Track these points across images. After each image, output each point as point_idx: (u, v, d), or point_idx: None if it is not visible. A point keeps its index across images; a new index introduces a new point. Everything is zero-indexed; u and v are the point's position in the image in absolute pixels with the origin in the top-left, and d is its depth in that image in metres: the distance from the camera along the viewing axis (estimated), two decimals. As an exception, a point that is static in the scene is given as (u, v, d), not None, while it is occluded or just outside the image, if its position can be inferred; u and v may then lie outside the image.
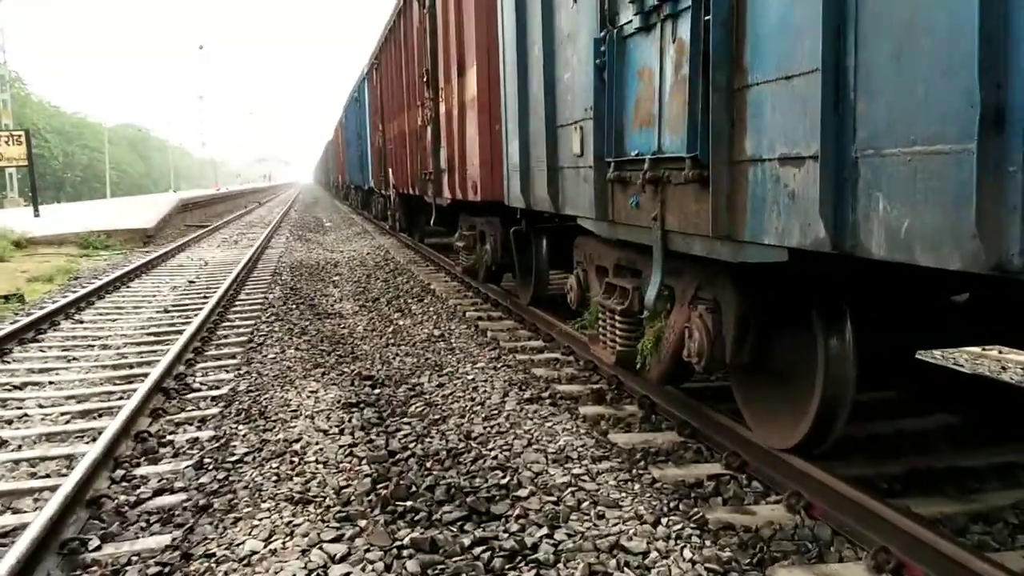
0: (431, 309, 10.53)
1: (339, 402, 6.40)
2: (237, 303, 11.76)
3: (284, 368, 7.61)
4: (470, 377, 6.84)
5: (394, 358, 7.98)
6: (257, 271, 15.59)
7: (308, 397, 6.57)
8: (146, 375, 7.33)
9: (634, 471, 4.50)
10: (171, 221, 29.11)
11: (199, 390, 7.06)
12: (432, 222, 12.20)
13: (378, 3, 18.31)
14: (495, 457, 4.84)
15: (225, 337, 9.35)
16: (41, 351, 8.95)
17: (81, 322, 10.68)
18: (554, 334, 7.23)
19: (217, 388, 7.08)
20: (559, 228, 7.51)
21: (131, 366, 8.18)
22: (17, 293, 13.55)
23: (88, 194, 68.96)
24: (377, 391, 6.70)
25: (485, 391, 6.37)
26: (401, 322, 9.90)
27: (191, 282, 14.46)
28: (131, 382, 7.49)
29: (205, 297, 12.34)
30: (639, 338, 4.89)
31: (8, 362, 8.36)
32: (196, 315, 10.34)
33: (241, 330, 9.67)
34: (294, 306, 11.38)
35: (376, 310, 10.94)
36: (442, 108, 9.92)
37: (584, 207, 4.95)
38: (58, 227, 23.98)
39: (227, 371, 7.69)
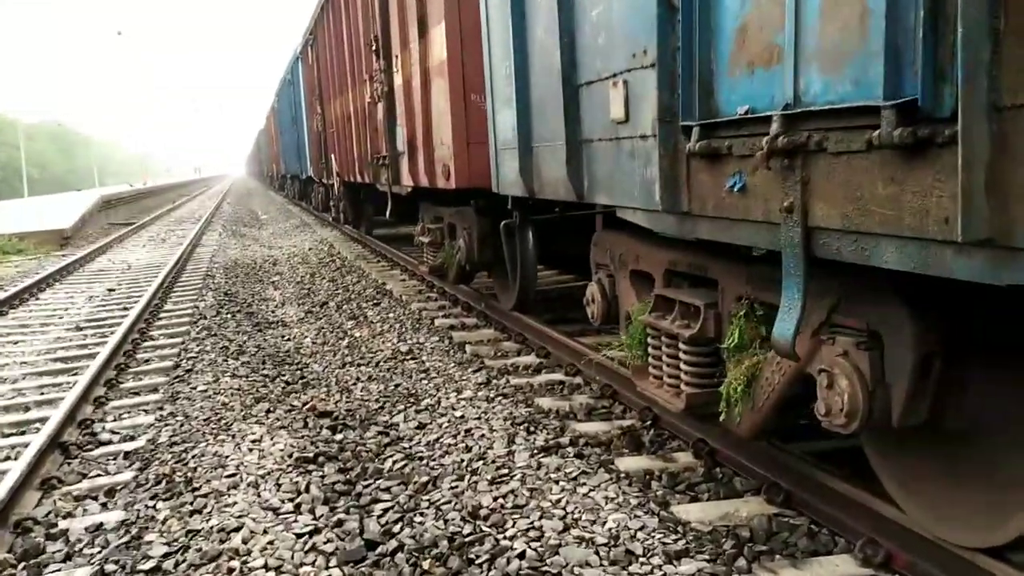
0: (391, 315, 9.04)
1: (290, 456, 4.90)
2: (162, 315, 10.11)
3: (218, 405, 6.06)
4: (458, 414, 5.39)
5: (354, 384, 6.49)
6: (187, 274, 13.88)
7: (250, 450, 5.05)
8: (45, 419, 5.75)
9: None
10: (92, 220, 26.93)
11: (108, 443, 5.49)
12: (388, 214, 10.67)
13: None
14: (522, 554, 3.40)
15: (146, 362, 7.75)
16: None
17: (-28, 346, 8.93)
18: (581, 365, 5.78)
19: (132, 439, 5.52)
20: (551, 219, 6.07)
21: (26, 407, 6.55)
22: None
23: (8, 193, 65.30)
24: (339, 436, 5.22)
25: (482, 434, 4.93)
26: (357, 333, 8.40)
27: (111, 290, 12.71)
28: (23, 432, 5.88)
29: (125, 309, 10.66)
30: (717, 375, 3.51)
31: None
32: (113, 333, 8.69)
33: (166, 352, 8.07)
34: (229, 315, 9.78)
35: (325, 317, 9.42)
36: (397, 79, 8.41)
37: (631, 194, 3.53)
38: (-37, 230, 21.74)
39: (146, 412, 6.13)
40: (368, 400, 6.01)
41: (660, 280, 3.96)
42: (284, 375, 6.93)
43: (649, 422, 4.78)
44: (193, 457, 4.98)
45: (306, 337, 8.50)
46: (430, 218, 8.86)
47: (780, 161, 2.46)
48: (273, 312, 10.05)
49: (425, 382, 6.32)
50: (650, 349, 3.95)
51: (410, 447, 4.90)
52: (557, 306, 8.77)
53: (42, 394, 6.90)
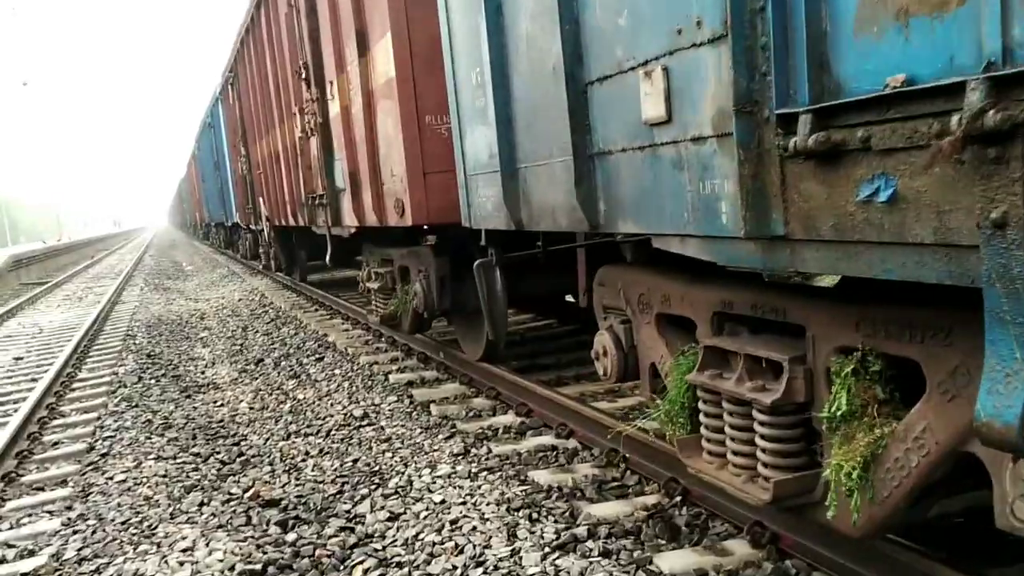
0: (338, 372, 8.01)
1: (232, 570, 3.86)
2: (76, 385, 8.89)
3: (140, 500, 4.97)
4: (436, 497, 4.41)
5: (304, 460, 5.47)
6: (105, 335, 12.58)
7: (180, 565, 3.99)
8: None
9: None
10: (1, 281, 25.13)
11: (3, 561, 4.36)
12: (328, 259, 9.65)
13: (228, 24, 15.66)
14: None
15: (55, 446, 6.58)
16: None
17: None
18: (606, 440, 4.53)
19: (31, 554, 4.40)
20: (523, 255, 5.17)
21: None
22: None
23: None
24: (292, 535, 4.20)
25: (473, 526, 3.96)
26: (300, 394, 7.36)
27: (17, 359, 11.36)
28: None
29: (33, 380, 9.39)
30: (812, 455, 2.64)
31: None
32: (16, 411, 7.48)
33: (79, 431, 6.90)
34: (153, 380, 8.63)
35: (261, 376, 8.35)
36: (333, 108, 7.47)
37: (677, 217, 2.66)
38: None
39: (51, 514, 5.00)
40: (323, 481, 5.00)
41: (706, 326, 3.08)
42: (219, 452, 5.87)
43: (679, 497, 3.89)
44: (106, 581, 3.90)
45: (241, 401, 7.43)
46: (377, 261, 7.89)
47: (981, 151, 1.61)
48: (203, 373, 8.93)
49: (389, 455, 5.33)
50: (704, 418, 3.05)
51: (383, 548, 3.90)
52: (524, 351, 7.88)
53: (-77, 495, 5.69)
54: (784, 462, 2.68)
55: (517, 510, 4.06)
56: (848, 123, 1.96)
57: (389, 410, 6.42)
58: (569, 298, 8.68)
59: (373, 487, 4.75)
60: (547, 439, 5.16)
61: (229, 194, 20.55)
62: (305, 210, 9.58)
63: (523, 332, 8.86)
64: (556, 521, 3.88)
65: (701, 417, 3.07)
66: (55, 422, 7.32)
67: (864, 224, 1.97)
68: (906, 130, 1.81)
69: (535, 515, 3.97)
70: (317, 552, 3.97)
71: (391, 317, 7.41)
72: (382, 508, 4.39)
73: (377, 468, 5.07)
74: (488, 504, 4.19)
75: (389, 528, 4.13)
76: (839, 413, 2.42)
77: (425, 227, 6.59)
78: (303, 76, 8.28)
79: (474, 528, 3.91)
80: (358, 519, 4.31)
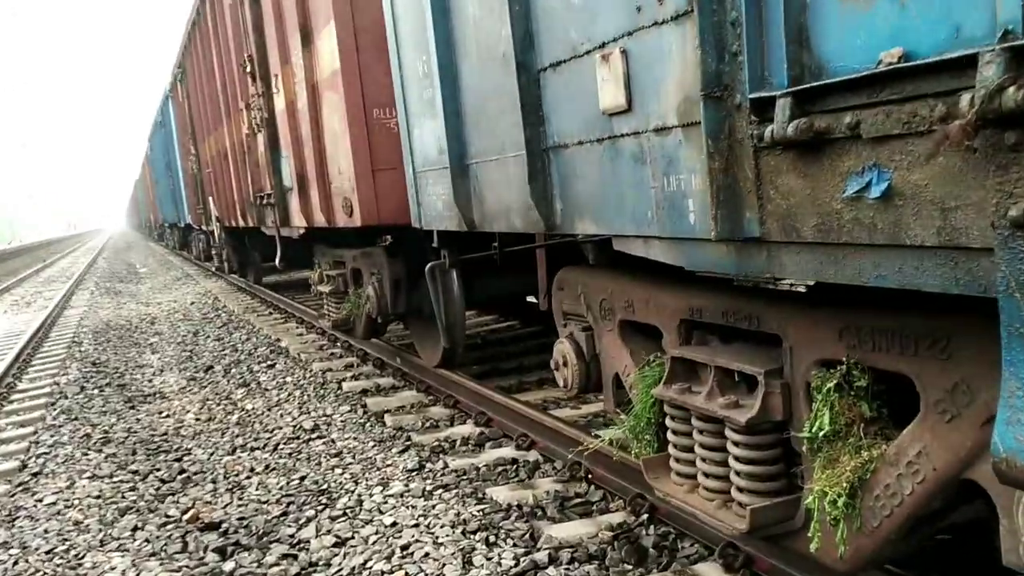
0: (289, 380, 7.66)
1: (163, 605, 3.54)
2: (15, 397, 8.44)
3: (68, 526, 4.61)
4: (387, 519, 4.10)
5: (248, 478, 5.14)
6: (50, 342, 12.06)
7: (105, 601, 3.66)
8: None
9: None
10: (-55, 286, 24.27)
11: (-94, 601, 4.00)
12: (277, 261, 9.27)
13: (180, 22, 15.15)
14: None
15: (-18, 465, 6.15)
16: None
17: None
18: (572, 455, 4.19)
19: (-58, 592, 4.04)
20: (479, 257, 4.88)
21: None
22: None
23: None
24: (230, 564, 3.88)
25: (425, 552, 3.66)
26: (249, 404, 7.01)
27: (-46, 370, 10.80)
28: None
29: (-32, 392, 8.89)
30: (791, 478, 2.39)
31: None
32: (-55, 427, 7.04)
33: (11, 448, 6.49)
34: (96, 391, 8.21)
35: (211, 384, 7.98)
36: (279, 103, 7.11)
37: (640, 216, 2.39)
38: None
39: (-30, 545, 4.61)
40: (267, 501, 4.68)
41: (673, 335, 2.82)
42: (159, 469, 5.52)
43: (645, 515, 3.62)
44: (21, 623, 3.55)
45: (188, 412, 7.07)
46: (329, 263, 7.55)
47: (997, 136, 1.36)
48: (150, 382, 8.54)
49: (339, 471, 5.01)
50: (672, 436, 2.79)
51: (329, 579, 3.60)
52: (484, 356, 7.60)
53: None
54: (761, 486, 2.42)
55: (474, 532, 3.77)
56: (833, 107, 1.70)
57: (341, 421, 6.10)
58: (531, 299, 8.43)
59: (320, 508, 4.44)
60: (507, 451, 4.88)
61: (181, 194, 20.01)
62: (254, 210, 9.21)
63: (484, 335, 8.57)
64: (515, 545, 3.59)
65: (669, 435, 2.80)
66: (-13, 439, 6.89)
67: (852, 224, 1.71)
68: (903, 114, 1.55)
69: (492, 538, 3.68)
70: (255, 584, 3.66)
71: (344, 322, 7.08)
72: (328, 532, 4.08)
73: (325, 486, 4.76)
74: (442, 526, 3.89)
75: (335, 555, 3.82)
76: (821, 433, 2.16)
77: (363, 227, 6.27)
78: (248, 70, 7.91)
79: (427, 555, 3.62)
80: (302, 545, 4.00)
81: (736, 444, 2.42)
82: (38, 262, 40.40)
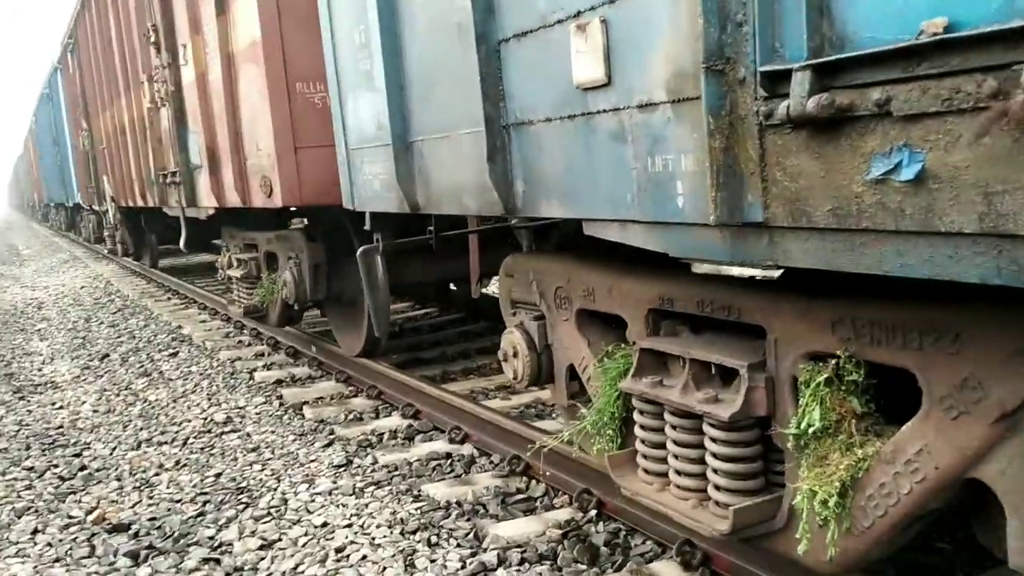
0: (195, 369, 7.26)
1: (71, 619, 3.23)
2: None
3: (-45, 532, 4.19)
4: (317, 520, 3.86)
5: (157, 474, 4.80)
6: (-79, 327, 11.19)
7: (3, 617, 3.31)
8: None
9: None
10: None
11: None
12: (182, 243, 8.78)
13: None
14: None
15: None
16: None
17: None
18: (527, 457, 3.85)
19: None
20: (415, 241, 4.66)
21: None
22: None
23: None
24: (145, 570, 3.57)
25: (363, 555, 3.44)
26: (152, 395, 6.60)
27: None
28: None
29: None
30: (771, 476, 2.28)
31: None
32: None
33: None
34: (-21, 381, 7.60)
35: (107, 373, 7.51)
36: (187, 75, 6.67)
37: (618, 199, 2.23)
38: None
39: None
40: (181, 500, 4.36)
41: (640, 325, 2.67)
42: (57, 465, 5.12)
43: (593, 511, 3.50)
44: (-96, 645, 3.17)
45: (84, 403, 6.62)
46: (239, 246, 7.16)
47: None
48: (40, 371, 7.98)
49: (257, 467, 4.72)
50: (641, 432, 2.64)
51: (256, 585, 3.34)
52: (403, 344, 7.36)
53: None
54: (741, 485, 2.31)
55: (413, 532, 3.56)
56: (859, 82, 1.57)
57: (256, 413, 5.78)
58: (453, 286, 8.23)
59: (241, 507, 4.15)
60: (439, 445, 4.68)
61: (70, 172, 18.90)
62: (155, 189, 8.69)
63: (402, 323, 8.32)
64: (459, 545, 3.41)
65: (637, 430, 2.66)
66: None
67: (876, 208, 1.59)
68: (943, 90, 1.43)
69: (434, 538, 3.49)
70: (174, 593, 3.37)
71: (256, 308, 6.73)
72: (252, 534, 3.81)
73: (244, 484, 4.47)
74: (378, 526, 3.67)
75: (262, 559, 3.56)
76: (811, 429, 2.05)
77: (293, 208, 5.96)
78: (152, 40, 7.41)
79: (364, 557, 3.40)
80: (224, 548, 3.72)
81: (715, 441, 2.30)
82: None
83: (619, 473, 2.75)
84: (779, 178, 1.76)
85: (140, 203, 10.13)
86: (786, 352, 2.17)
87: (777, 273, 2.51)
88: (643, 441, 2.64)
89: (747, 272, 2.85)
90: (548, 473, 3.62)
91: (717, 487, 2.34)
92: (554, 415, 5.11)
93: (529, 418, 5.02)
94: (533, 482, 3.99)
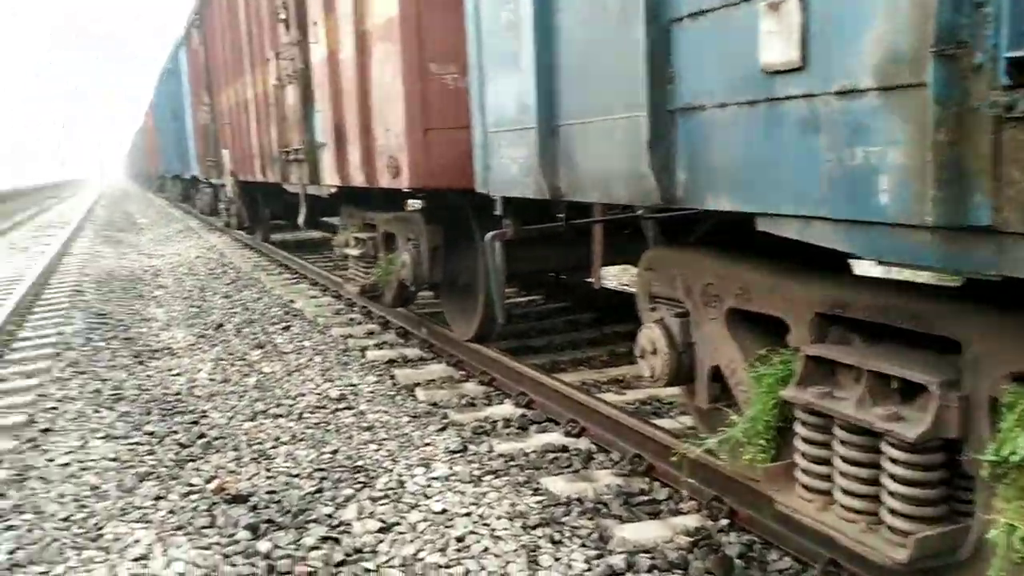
0: (307, 344, 7.34)
1: (196, 588, 3.25)
2: (17, 344, 8.09)
3: (85, 490, 4.30)
4: (436, 505, 3.80)
5: (274, 447, 4.84)
6: (51, 288, 11.69)
7: (132, 580, 3.36)
8: None
9: None
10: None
11: (-88, 563, 3.67)
12: (301, 220, 8.91)
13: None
14: None
15: (-12, 417, 5.82)
16: None
17: None
18: (667, 464, 3.61)
19: (-50, 556, 3.71)
20: (545, 229, 4.55)
21: None
22: None
23: None
24: (265, 544, 3.58)
25: (484, 547, 3.37)
26: (267, 368, 6.69)
27: (-49, 313, 10.44)
28: None
29: (-32, 337, 8.53)
30: (957, 503, 2.09)
31: None
32: (-54, 372, 6.70)
33: (17, 400, 6.15)
34: (103, 342, 7.88)
35: (222, 343, 7.67)
36: (317, 53, 6.73)
37: (807, 193, 2.06)
38: None
39: (-20, 503, 4.30)
40: (298, 475, 4.38)
41: (805, 330, 2.50)
42: (176, 432, 5.22)
43: (725, 520, 3.33)
44: (42, 597, 3.24)
45: (200, 371, 6.76)
46: (358, 225, 7.20)
47: None
48: (157, 336, 8.22)
49: (373, 447, 4.71)
50: (802, 445, 2.48)
51: (377, 570, 3.30)
52: (511, 331, 7.28)
53: None
54: (923, 512, 2.12)
55: (534, 528, 3.47)
56: None
57: (369, 392, 5.79)
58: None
59: (358, 487, 4.14)
60: (555, 437, 4.58)
61: (188, 145, 19.53)
62: (277, 165, 8.83)
63: (509, 309, 8.25)
64: (584, 545, 3.30)
65: (797, 443, 2.49)
66: (-10, 389, 6.56)
67: None
68: None
69: (557, 535, 3.39)
70: (296, 569, 3.36)
71: (372, 288, 6.75)
72: (371, 515, 3.79)
73: (361, 463, 4.46)
74: (499, 517, 3.60)
75: (381, 542, 3.53)
76: (1014, 458, 1.86)
77: (410, 190, 5.93)
78: (282, 17, 7.51)
79: (486, 549, 3.32)
80: (343, 527, 3.70)
81: (896, 462, 2.12)
82: (34, 206, 39.82)
83: (774, 487, 2.58)
84: (1017, 178, 1.57)
85: (260, 178, 10.33)
86: (987, 370, 1.98)
87: (959, 280, 2.31)
88: (804, 455, 2.46)
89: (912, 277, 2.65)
90: (691, 482, 3.45)
91: (893, 511, 2.16)
92: (671, 413, 4.95)
93: (645, 415, 4.87)
94: (656, 483, 3.85)
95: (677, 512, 3.57)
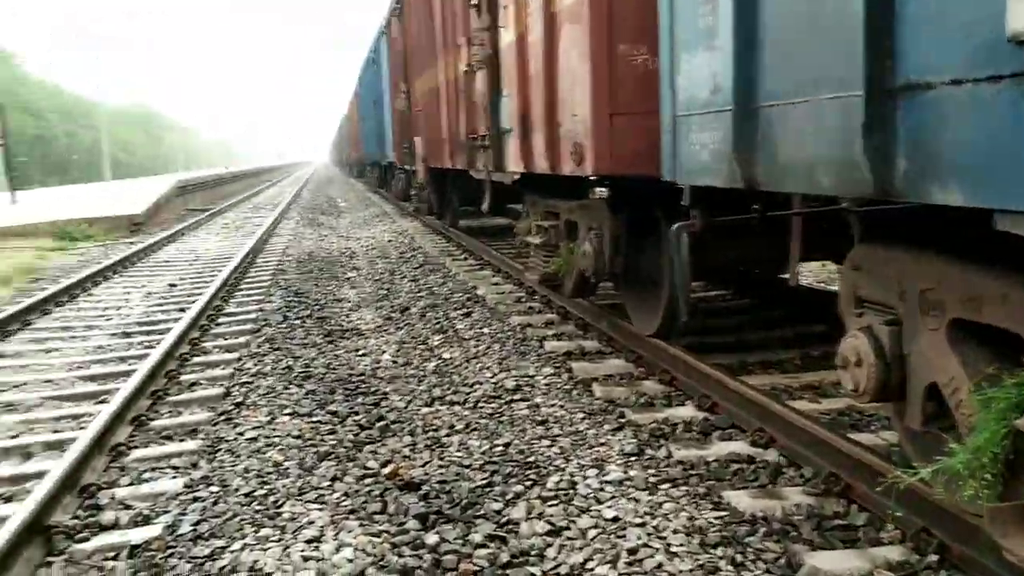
0: (486, 331, 7.31)
1: (361, 575, 3.22)
2: (222, 319, 8.61)
3: (268, 467, 4.42)
4: (608, 512, 3.60)
5: (448, 435, 4.80)
6: (256, 267, 12.44)
7: (304, 561, 3.38)
8: (41, 475, 4.24)
9: None
10: (167, 205, 25.98)
11: (112, 527, 3.89)
12: (484, 206, 8.94)
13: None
14: None
15: (191, 387, 6.19)
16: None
17: (1, 356, 7.52)
18: (875, 491, 3.14)
19: (144, 522, 3.91)
20: (736, 221, 4.22)
21: (28, 453, 5.01)
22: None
23: (95, 176, 65.80)
24: (433, 537, 3.51)
25: (659, 563, 3.14)
26: (446, 353, 6.71)
27: (172, 285, 11.34)
28: (14, 496, 4.35)
29: (182, 310, 9.18)
30: None
31: None
32: (160, 343, 7.17)
33: (217, 372, 6.50)
34: (298, 321, 8.22)
35: (407, 326, 7.79)
36: (505, 37, 6.66)
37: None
38: (35, 215, 20.90)
39: (175, 472, 4.53)
40: (469, 466, 4.31)
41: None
42: (357, 414, 5.29)
43: (934, 556, 2.93)
44: (216, 573, 3.31)
45: (384, 353, 6.88)
46: (540, 213, 7.09)
47: None
48: (347, 317, 8.47)
49: (546, 443, 4.57)
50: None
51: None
52: (693, 326, 6.91)
53: (54, 431, 5.38)
54: None
55: (714, 546, 3.20)
56: None
57: (545, 384, 5.66)
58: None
59: (528, 484, 4.01)
60: (739, 446, 4.26)
61: (386, 132, 20.24)
62: (464, 152, 8.88)
63: (692, 304, 7.88)
64: (769, 571, 3.00)
65: (1036, 484, 2.11)
66: (195, 359, 6.98)
67: None
68: None
69: (739, 557, 3.10)
70: (462, 566, 3.27)
71: (552, 277, 6.62)
72: (540, 516, 3.64)
73: (532, 459, 4.33)
74: (675, 531, 3.35)
75: (549, 546, 3.37)
76: None
77: (594, 178, 5.72)
78: (474, 2, 7.49)
79: (660, 566, 3.09)
80: (511, 527, 3.58)
81: None
82: (248, 189, 42.81)
83: (1001, 531, 2.20)
84: None
85: (448, 165, 10.46)
86: None
87: None
88: (1044, 498, 2.08)
89: None
90: (899, 515, 3.06)
91: None
92: (872, 427, 4.50)
93: (843, 427, 4.45)
94: (854, 507, 3.47)
95: (877, 542, 3.19)
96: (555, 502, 3.76)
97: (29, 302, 9.41)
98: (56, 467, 4.24)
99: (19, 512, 3.68)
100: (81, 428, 5.21)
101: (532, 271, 7.16)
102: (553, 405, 5.18)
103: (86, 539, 3.76)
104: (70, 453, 4.44)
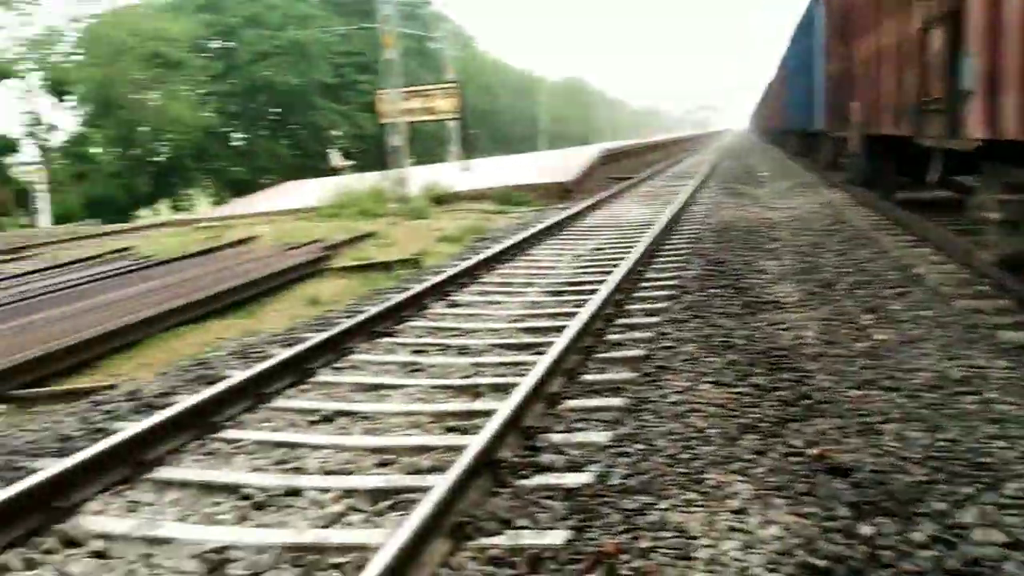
0: (926, 315, 6.67)
1: (790, 557, 3.14)
2: (643, 284, 8.88)
3: (691, 432, 4.49)
4: (1087, 533, 3.10)
5: (882, 423, 4.48)
6: (675, 235, 12.62)
7: (729, 531, 3.38)
8: (490, 413, 4.74)
9: None
10: (593, 174, 27.44)
11: (548, 469, 4.23)
12: (931, 177, 8.14)
13: None
14: None
15: (616, 347, 6.47)
16: (388, 351, 6.89)
17: (455, 305, 8.55)
18: None
19: (577, 469, 4.19)
20: None
21: (477, 393, 5.64)
22: (412, 258, 12.47)
23: (531, 147, 71.84)
24: (867, 529, 3.30)
25: None
26: (878, 335, 6.26)
27: (597, 249, 11.97)
28: (467, 429, 4.92)
29: (606, 273, 9.64)
30: None
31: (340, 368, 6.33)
32: (588, 302, 7.62)
33: (638, 335, 6.72)
34: (716, 290, 8.21)
35: (831, 302, 7.40)
36: (973, -11, 5.93)
37: None
38: (482, 182, 23.40)
39: (602, 425, 4.79)
40: (908, 460, 3.98)
41: None
42: (779, 391, 5.16)
43: None
44: (646, 527, 3.45)
45: (807, 329, 6.61)
46: (1003, 186, 6.26)
47: None
48: (766, 289, 8.27)
49: (1002, 443, 4.07)
50: None
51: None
52: None
53: (499, 375, 5.97)
54: None
55: None
56: None
57: (998, 379, 5.03)
58: None
59: (980, 487, 3.60)
60: None
61: (816, 99, 19.32)
62: (910, 117, 8.14)
63: None
64: None
65: None
66: (619, 320, 7.29)
67: None
68: None
69: None
70: (901, 565, 3.04)
71: (1015, 259, 5.83)
72: (994, 524, 3.25)
73: (984, 460, 3.87)
74: None
75: (1007, 559, 3.00)
76: None
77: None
78: (933, -47, 6.78)
79: None
80: (960, 531, 3.24)
81: None
82: (668, 158, 43.63)
83: None
84: None
85: (891, 131, 9.69)
86: None
87: None
88: None
89: None
90: None
91: None
92: None
93: None
94: None
95: None
96: (1015, 511, 3.33)
97: (473, 261, 10.52)
98: (503, 407, 4.70)
99: (473, 444, 4.14)
100: (521, 375, 5.72)
101: (987, 251, 6.37)
102: (1010, 403, 4.59)
103: (526, 476, 4.12)
104: (514, 396, 4.89)
